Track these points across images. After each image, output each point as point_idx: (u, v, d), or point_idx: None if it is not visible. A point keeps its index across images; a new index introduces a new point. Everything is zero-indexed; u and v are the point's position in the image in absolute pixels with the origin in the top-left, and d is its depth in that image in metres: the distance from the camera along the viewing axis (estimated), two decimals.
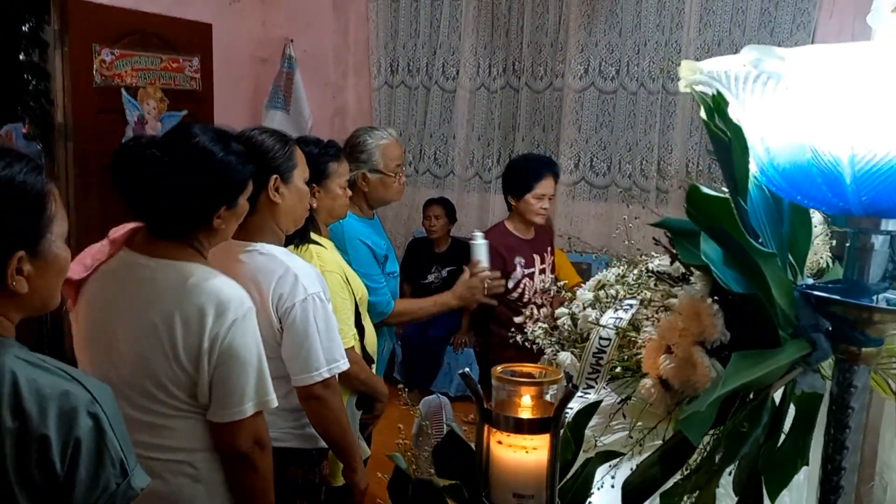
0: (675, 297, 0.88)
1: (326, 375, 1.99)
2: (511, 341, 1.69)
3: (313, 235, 2.39)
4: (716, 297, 0.86)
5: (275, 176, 2.00)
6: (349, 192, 2.57)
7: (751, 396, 0.91)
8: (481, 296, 2.96)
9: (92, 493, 1.19)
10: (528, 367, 0.97)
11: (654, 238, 2.61)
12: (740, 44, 4.83)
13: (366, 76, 5.90)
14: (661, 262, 1.29)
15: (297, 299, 1.94)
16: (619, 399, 1.36)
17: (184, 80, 5.01)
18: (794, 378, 0.88)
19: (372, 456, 2.66)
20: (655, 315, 0.91)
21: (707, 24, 4.93)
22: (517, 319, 3.14)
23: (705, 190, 0.74)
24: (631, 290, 1.33)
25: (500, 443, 0.94)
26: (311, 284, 1.99)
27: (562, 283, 1.76)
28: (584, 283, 1.67)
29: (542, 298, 3.31)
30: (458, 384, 4.93)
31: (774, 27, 4.76)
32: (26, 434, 1.15)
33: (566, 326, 1.57)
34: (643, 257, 1.91)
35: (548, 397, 0.97)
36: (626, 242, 1.44)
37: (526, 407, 0.95)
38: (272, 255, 2.00)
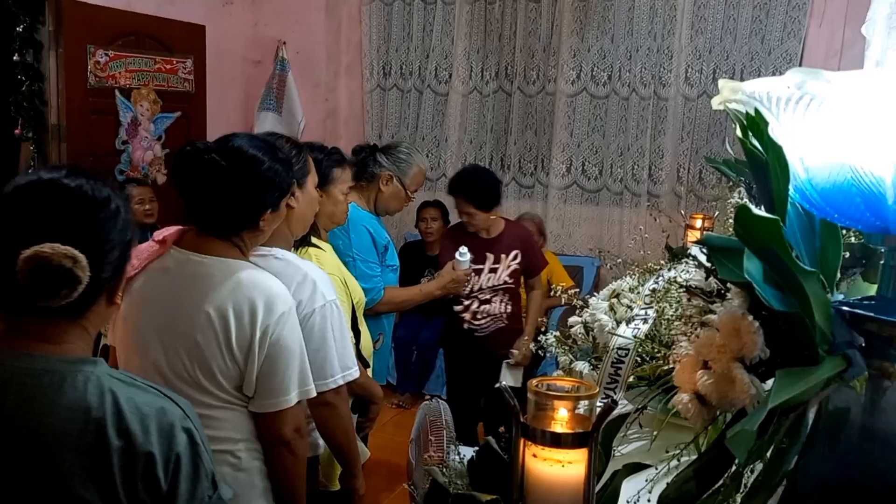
0: (713, 312, 0.89)
1: (341, 382, 2.02)
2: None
3: (313, 239, 2.42)
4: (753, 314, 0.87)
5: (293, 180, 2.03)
6: (349, 199, 2.63)
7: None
8: (461, 290, 3.34)
9: (187, 500, 1.23)
10: (562, 381, 0.98)
11: (667, 246, 2.64)
12: (731, 50, 4.88)
13: (358, 78, 5.90)
14: (687, 274, 1.30)
15: (317, 305, 1.98)
16: (636, 408, 1.37)
17: (177, 81, 4.99)
18: (829, 393, 0.90)
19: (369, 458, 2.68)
20: (691, 330, 0.92)
21: (698, 31, 4.97)
22: (456, 308, 3.52)
23: (756, 211, 0.75)
24: (656, 299, 1.34)
25: (535, 456, 0.95)
26: (329, 291, 2.03)
27: (569, 289, 1.76)
28: (574, 286, 1.68)
29: (489, 294, 3.55)
30: None
31: (765, 35, 4.81)
32: (132, 452, 1.17)
33: (579, 335, 1.58)
34: (650, 264, 1.93)
35: (580, 410, 0.98)
36: (642, 252, 1.45)
37: (561, 420, 0.96)
38: (288, 261, 2.02)
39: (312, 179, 2.14)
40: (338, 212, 2.55)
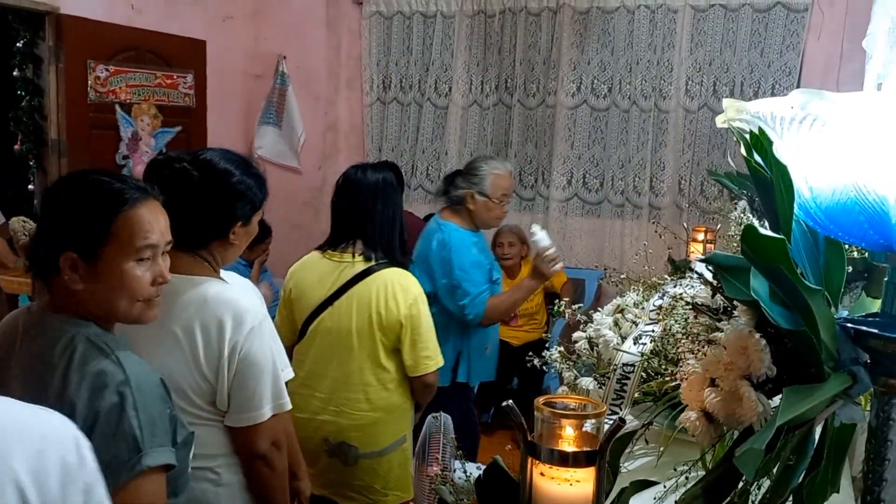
0: (720, 330, 0.89)
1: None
2: None
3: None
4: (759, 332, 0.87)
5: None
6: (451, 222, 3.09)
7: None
8: (552, 267, 3.20)
9: (99, 457, 1.23)
10: (569, 399, 0.98)
11: (670, 258, 2.64)
12: (731, 63, 4.90)
13: (358, 92, 5.92)
14: (692, 289, 1.30)
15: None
16: (642, 424, 1.37)
17: (178, 96, 5.00)
18: (834, 410, 0.90)
19: None
20: (698, 348, 0.92)
21: (698, 44, 4.99)
22: None
23: (762, 231, 0.75)
24: (662, 316, 1.35)
25: (542, 475, 0.95)
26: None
27: (576, 306, 1.76)
28: (566, 297, 1.68)
29: None
30: None
31: (764, 48, 4.83)
32: (63, 397, 1.33)
33: (584, 350, 1.58)
34: (654, 279, 1.94)
35: (587, 428, 0.98)
36: (646, 267, 1.45)
37: (568, 438, 0.96)
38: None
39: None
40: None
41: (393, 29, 5.75)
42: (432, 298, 3.07)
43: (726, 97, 5.01)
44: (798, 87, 4.75)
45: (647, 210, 5.20)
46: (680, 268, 2.84)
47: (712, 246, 2.95)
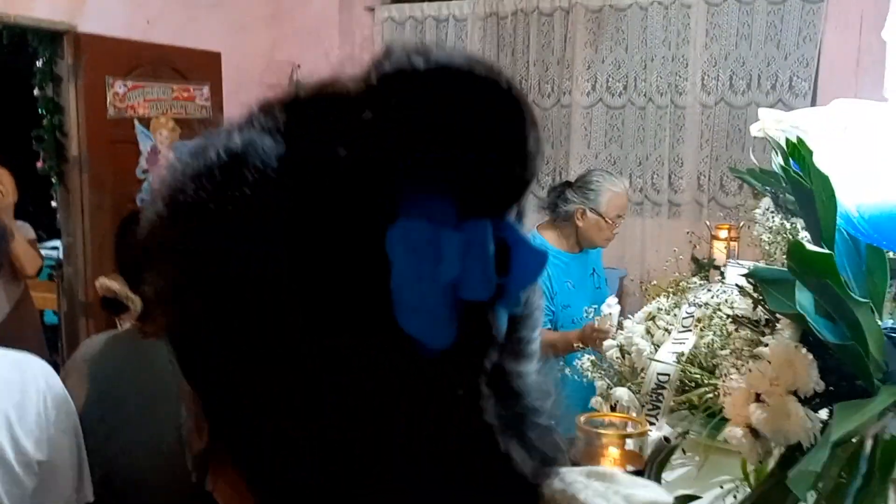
0: (764, 344, 0.88)
1: None
2: None
3: None
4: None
5: None
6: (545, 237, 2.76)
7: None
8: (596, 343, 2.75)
9: None
10: (611, 416, 0.97)
11: (693, 257, 2.61)
12: (747, 57, 4.86)
13: None
14: (724, 294, 1.29)
15: None
16: (679, 434, 1.35)
17: (195, 108, 5.02)
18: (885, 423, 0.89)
19: None
20: (741, 363, 0.91)
21: (713, 39, 4.95)
22: None
23: (809, 247, 0.74)
24: (700, 327, 1.33)
25: None
26: None
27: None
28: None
29: None
30: None
31: (781, 40, 4.78)
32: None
33: (616, 359, 1.56)
34: (681, 282, 1.92)
35: (629, 446, 0.97)
36: (677, 273, 1.44)
37: (611, 457, 0.95)
38: None
39: None
40: None
41: (406, 33, 5.74)
42: None
43: (743, 91, 4.97)
44: (816, 79, 4.72)
45: (666, 207, 5.17)
46: (704, 267, 2.82)
47: (736, 244, 2.93)
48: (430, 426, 0.44)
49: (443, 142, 0.45)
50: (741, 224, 2.92)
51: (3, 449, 1.34)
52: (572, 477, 0.51)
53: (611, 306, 2.83)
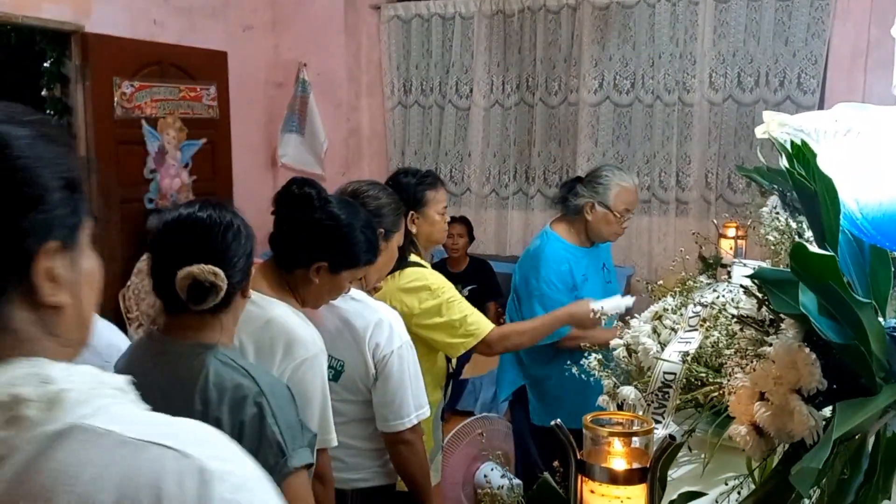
0: (769, 344, 0.89)
1: (416, 421, 2.04)
2: None
3: (414, 257, 2.52)
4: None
5: (381, 231, 2.10)
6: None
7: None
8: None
9: None
10: (617, 415, 0.98)
11: (700, 255, 2.60)
12: (755, 54, 4.85)
13: (379, 97, 5.93)
14: (730, 293, 1.30)
15: (394, 347, 2.02)
16: (685, 432, 1.36)
17: (202, 108, 5.05)
18: (886, 421, 0.89)
19: None
20: (746, 362, 0.92)
21: (721, 35, 4.94)
22: None
23: (812, 249, 0.75)
24: (704, 326, 1.34)
25: (592, 492, 0.95)
26: (404, 332, 2.07)
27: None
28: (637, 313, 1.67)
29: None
30: (483, 402, 4.94)
31: (789, 36, 4.77)
32: (207, 416, 1.43)
33: (622, 358, 1.57)
34: (688, 281, 1.93)
35: (636, 443, 0.97)
36: (685, 273, 1.44)
37: (618, 455, 0.96)
38: (365, 303, 2.06)
39: (398, 238, 2.23)
40: (435, 231, 2.65)
41: (412, 32, 5.76)
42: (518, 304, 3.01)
43: (751, 88, 4.94)
44: (825, 76, 4.71)
45: (673, 205, 5.17)
46: (711, 265, 2.82)
47: (743, 242, 2.93)
48: None
49: None
50: (749, 222, 2.91)
51: None
52: None
53: (629, 302, 2.75)
